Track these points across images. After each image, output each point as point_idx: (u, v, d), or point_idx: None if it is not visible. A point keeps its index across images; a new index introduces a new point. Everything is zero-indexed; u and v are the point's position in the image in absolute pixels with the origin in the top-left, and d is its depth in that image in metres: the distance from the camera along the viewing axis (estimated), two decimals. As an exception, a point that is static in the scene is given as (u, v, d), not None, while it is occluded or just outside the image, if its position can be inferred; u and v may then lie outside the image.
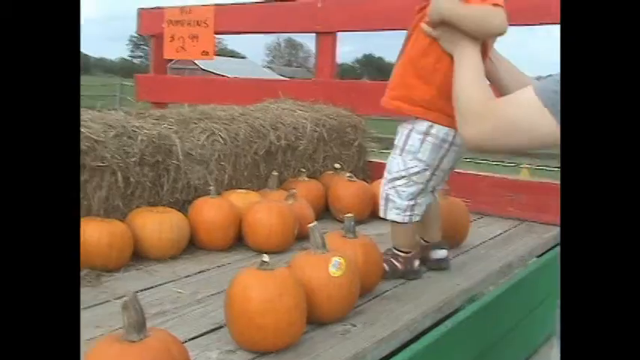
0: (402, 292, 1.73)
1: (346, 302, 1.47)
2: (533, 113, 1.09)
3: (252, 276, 1.32)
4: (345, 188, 2.51)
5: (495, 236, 2.36)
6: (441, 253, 1.93)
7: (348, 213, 1.72)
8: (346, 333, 1.43)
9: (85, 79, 38.78)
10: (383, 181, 1.82)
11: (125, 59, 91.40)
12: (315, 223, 1.53)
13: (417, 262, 1.84)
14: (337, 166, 2.76)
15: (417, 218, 1.79)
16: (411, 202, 1.76)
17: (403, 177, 1.74)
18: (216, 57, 3.67)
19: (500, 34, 1.54)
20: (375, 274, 1.67)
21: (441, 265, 1.92)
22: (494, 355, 1.89)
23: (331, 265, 1.44)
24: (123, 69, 78.98)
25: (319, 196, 2.56)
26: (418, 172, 1.73)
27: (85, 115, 2.01)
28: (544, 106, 1.07)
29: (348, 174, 2.60)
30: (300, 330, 1.34)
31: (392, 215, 1.78)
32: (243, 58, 51.11)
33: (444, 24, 1.54)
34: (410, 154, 1.73)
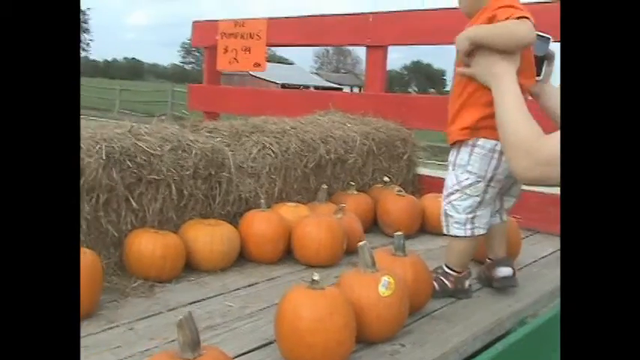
0: (451, 312, 1.71)
1: (395, 322, 1.47)
2: None
3: (303, 294, 1.33)
4: (394, 202, 2.51)
5: (547, 255, 2.31)
6: (506, 271, 1.87)
7: (396, 227, 1.72)
8: (395, 353, 1.43)
9: (138, 85, 39.91)
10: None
11: (177, 65, 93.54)
12: (364, 242, 1.54)
13: (467, 282, 1.82)
14: (386, 179, 2.76)
15: (481, 231, 1.77)
16: (470, 215, 1.75)
17: (457, 191, 1.75)
18: (266, 62, 3.73)
19: (530, 42, 1.57)
20: (424, 293, 1.66)
21: (506, 283, 1.87)
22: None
23: (381, 284, 1.44)
24: (175, 74, 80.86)
25: (368, 210, 2.56)
26: (471, 185, 1.73)
27: (142, 128, 2.07)
28: None
29: (397, 188, 2.60)
30: (349, 349, 1.35)
31: (453, 230, 1.77)
32: (291, 64, 51.57)
33: (475, 56, 1.57)
34: (460, 167, 1.74)
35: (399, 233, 1.69)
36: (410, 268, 1.62)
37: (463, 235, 1.76)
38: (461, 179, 1.74)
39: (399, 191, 2.55)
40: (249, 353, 1.40)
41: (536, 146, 1.22)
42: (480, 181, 1.72)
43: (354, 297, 1.42)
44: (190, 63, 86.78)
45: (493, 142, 1.68)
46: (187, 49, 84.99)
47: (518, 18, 1.54)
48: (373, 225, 2.59)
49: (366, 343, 1.45)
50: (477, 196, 1.74)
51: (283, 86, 37.28)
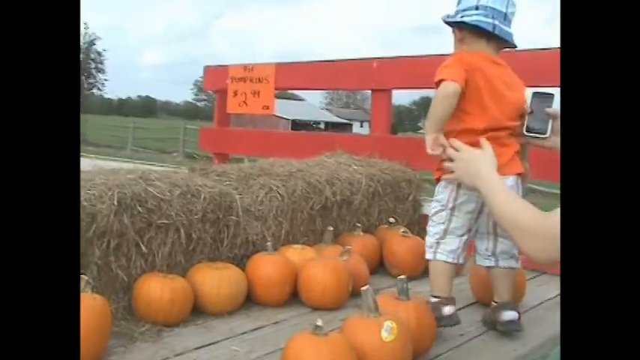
0: (456, 356, 1.73)
1: (398, 367, 1.49)
2: None
3: (307, 341, 1.36)
4: (399, 243, 2.54)
5: (553, 297, 2.32)
6: (510, 315, 1.88)
7: (402, 268, 1.78)
8: (398, 399, 1.45)
9: (150, 122, 40.45)
10: None
11: (189, 102, 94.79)
12: (368, 286, 1.57)
13: (446, 309, 1.82)
14: (392, 220, 2.79)
15: (443, 257, 1.88)
16: (435, 240, 1.90)
17: (430, 219, 1.93)
18: (276, 99, 3.83)
19: (454, 94, 1.74)
20: (428, 337, 1.68)
21: (510, 327, 1.88)
22: None
23: (383, 329, 1.47)
24: (187, 111, 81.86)
25: (374, 251, 2.59)
26: (437, 212, 1.91)
27: (153, 174, 2.13)
28: None
29: (402, 229, 2.63)
30: (352, 395, 1.37)
31: (425, 254, 1.93)
32: (302, 100, 52.09)
33: (454, 161, 1.69)
34: (434, 199, 1.93)
35: (402, 277, 1.73)
36: (413, 312, 1.64)
37: (429, 258, 1.92)
38: (432, 207, 1.94)
39: (404, 232, 2.58)
40: (254, 398, 1.43)
41: (543, 225, 1.25)
42: (443, 209, 1.88)
43: (357, 342, 1.45)
44: (202, 100, 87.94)
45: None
46: (200, 87, 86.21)
47: (437, 84, 1.77)
48: (379, 266, 2.61)
49: (369, 388, 1.46)
50: (442, 223, 1.89)
51: (294, 122, 37.63)
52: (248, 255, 2.24)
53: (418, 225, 3.01)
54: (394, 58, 3.21)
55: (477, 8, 1.81)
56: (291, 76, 3.75)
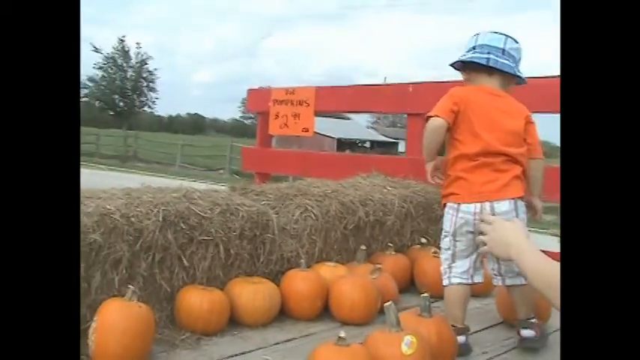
0: (476, 372, 1.81)
1: (417, 379, 1.58)
2: None
3: (329, 350, 1.48)
4: (430, 263, 2.62)
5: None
6: (526, 333, 1.98)
7: (432, 287, 1.88)
8: (416, 409, 1.54)
9: (198, 139, 41.34)
10: None
11: (237, 120, 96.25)
12: (390, 302, 1.67)
13: (459, 339, 1.89)
14: (424, 240, 2.88)
15: (457, 280, 2.03)
16: (447, 266, 2.05)
17: (441, 247, 2.11)
18: (322, 118, 3.98)
19: (439, 128, 1.97)
20: (449, 353, 1.76)
21: (528, 345, 1.97)
22: None
23: (403, 343, 1.57)
24: (234, 129, 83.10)
25: (405, 270, 2.68)
26: (443, 239, 2.08)
27: (196, 193, 2.29)
28: None
29: (433, 249, 2.71)
30: (371, 403, 1.47)
31: (442, 282, 2.06)
32: (348, 119, 52.30)
33: (487, 233, 1.71)
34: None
35: (425, 295, 1.82)
36: (434, 328, 1.73)
37: (445, 284, 2.05)
38: (441, 236, 2.10)
39: (435, 252, 2.66)
40: (282, 403, 1.54)
41: None
42: (447, 235, 2.04)
43: (379, 355, 1.55)
44: (249, 118, 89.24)
45: (455, 204, 2.00)
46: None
47: (426, 119, 2.00)
48: (411, 285, 2.70)
49: (389, 399, 1.56)
50: (448, 249, 2.05)
51: (339, 141, 37.82)
52: (283, 271, 2.36)
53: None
54: (429, 82, 3.33)
55: (474, 49, 2.04)
56: (331, 99, 3.90)
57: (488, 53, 2.00)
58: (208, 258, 2.18)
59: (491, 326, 2.23)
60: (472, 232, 1.96)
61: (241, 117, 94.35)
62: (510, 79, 2.05)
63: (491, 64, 2.00)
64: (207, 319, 2.00)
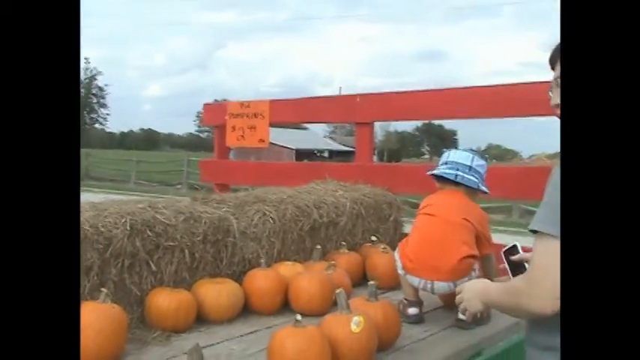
0: (418, 347, 2.04)
1: (366, 354, 1.80)
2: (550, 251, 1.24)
3: (289, 331, 1.68)
4: (380, 258, 2.86)
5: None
6: (461, 315, 2.24)
7: (381, 280, 2.12)
8: (366, 380, 1.76)
9: (154, 155, 40.86)
10: None
11: (192, 134, 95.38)
12: (340, 289, 1.89)
13: (411, 310, 2.30)
14: (374, 238, 3.12)
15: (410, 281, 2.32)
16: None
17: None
18: (279, 129, 4.19)
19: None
20: (393, 332, 1.99)
21: (459, 325, 2.25)
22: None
23: (352, 323, 1.79)
24: (190, 143, 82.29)
25: (357, 266, 2.91)
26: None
27: (160, 203, 2.46)
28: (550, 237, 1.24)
29: (382, 246, 2.95)
30: (326, 375, 1.68)
31: (398, 270, 2.40)
32: (305, 129, 52.53)
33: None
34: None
35: (372, 282, 2.05)
36: (380, 310, 1.96)
37: (401, 274, 2.37)
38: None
39: (384, 248, 2.90)
40: (248, 383, 1.74)
41: (526, 283, 1.33)
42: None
43: (332, 333, 1.76)
44: (205, 132, 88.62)
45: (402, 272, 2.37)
46: (202, 119, 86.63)
47: None
48: (363, 280, 2.92)
49: (343, 373, 1.77)
50: None
51: (298, 151, 38.04)
52: (244, 271, 2.55)
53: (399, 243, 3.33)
54: (374, 93, 3.59)
55: (446, 164, 2.40)
56: (285, 111, 4.13)
57: (457, 170, 2.35)
58: (174, 262, 2.36)
59: (434, 309, 2.47)
60: None
61: (197, 131, 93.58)
62: (476, 190, 2.39)
63: (458, 179, 2.34)
64: (175, 318, 2.17)
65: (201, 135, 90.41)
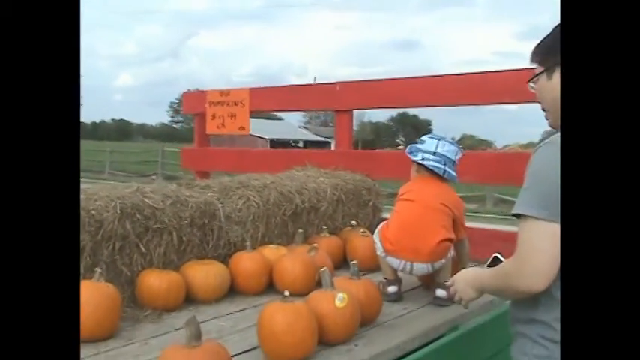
0: (398, 322, 2.17)
1: (349, 327, 1.92)
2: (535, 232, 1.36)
3: (277, 306, 1.79)
4: (360, 242, 2.97)
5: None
6: (440, 293, 2.39)
7: (362, 261, 2.27)
8: (349, 351, 1.88)
9: (127, 146, 40.44)
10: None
11: (165, 124, 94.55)
12: (325, 267, 2.00)
13: (390, 288, 2.43)
14: (354, 223, 3.23)
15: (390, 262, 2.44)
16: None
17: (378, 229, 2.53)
18: (254, 119, 4.26)
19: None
20: (374, 308, 2.11)
21: (438, 302, 2.38)
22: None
23: (337, 298, 1.90)
24: (163, 134, 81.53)
25: (338, 249, 3.02)
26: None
27: (147, 188, 2.54)
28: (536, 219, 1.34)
29: (362, 229, 3.07)
30: (313, 346, 1.79)
31: (377, 251, 2.51)
32: (280, 119, 52.43)
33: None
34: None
35: (354, 262, 2.17)
36: (362, 288, 2.08)
37: (381, 255, 2.48)
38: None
39: (364, 232, 3.02)
40: (238, 355, 1.84)
41: (511, 264, 1.44)
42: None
43: (317, 308, 1.87)
44: (179, 122, 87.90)
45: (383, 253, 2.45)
46: (176, 109, 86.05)
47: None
48: (344, 262, 3.03)
49: (327, 345, 1.89)
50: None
51: (272, 141, 38.02)
52: (230, 254, 2.65)
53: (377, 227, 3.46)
54: (353, 81, 3.69)
55: (434, 154, 2.46)
56: (264, 99, 4.21)
57: (445, 164, 2.45)
58: (163, 244, 2.44)
59: (412, 289, 2.60)
60: None
61: (170, 121, 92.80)
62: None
63: (445, 175, 2.45)
64: (166, 297, 2.26)
65: (174, 125, 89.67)
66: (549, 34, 1.52)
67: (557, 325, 1.36)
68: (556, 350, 1.36)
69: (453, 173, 2.49)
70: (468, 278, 1.75)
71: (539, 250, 1.33)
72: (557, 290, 1.35)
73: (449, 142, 2.51)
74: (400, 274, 2.47)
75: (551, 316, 1.39)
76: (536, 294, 1.37)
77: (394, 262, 2.41)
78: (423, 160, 2.48)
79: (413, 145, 2.56)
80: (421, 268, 2.36)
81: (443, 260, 2.36)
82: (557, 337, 1.35)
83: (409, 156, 2.52)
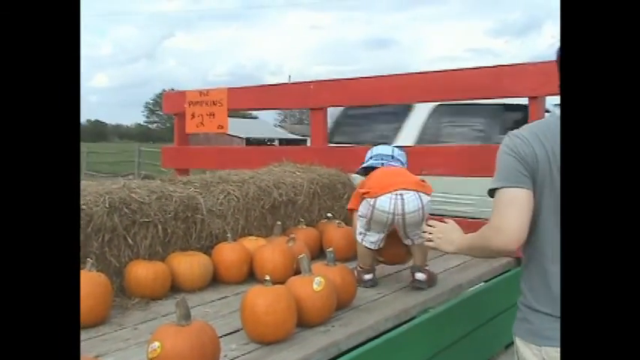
0: (372, 305, 2.33)
1: (326, 310, 2.07)
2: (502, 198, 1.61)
3: (259, 289, 1.94)
4: (335, 232, 3.13)
5: (454, 266, 2.96)
6: (419, 276, 2.55)
7: (338, 252, 2.42)
8: (326, 331, 2.03)
9: (103, 146, 40.08)
10: None
11: (141, 125, 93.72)
12: (303, 254, 2.15)
13: (366, 276, 2.57)
14: (329, 215, 3.39)
15: (368, 244, 2.57)
16: (363, 231, 2.58)
17: (358, 217, 2.62)
18: (230, 118, 4.38)
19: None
20: (349, 292, 2.27)
21: (416, 285, 2.54)
22: (448, 357, 2.45)
23: (314, 282, 2.05)
24: (139, 134, 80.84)
25: (315, 240, 3.17)
26: (359, 218, 2.59)
27: (134, 183, 2.67)
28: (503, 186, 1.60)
29: (337, 221, 3.23)
30: (293, 327, 1.94)
31: (356, 237, 2.59)
32: (255, 118, 52.34)
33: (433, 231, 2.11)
34: (359, 212, 2.61)
35: (330, 249, 2.32)
36: (338, 274, 2.23)
37: (359, 240, 2.60)
38: (358, 213, 2.61)
39: (339, 223, 3.18)
40: (223, 337, 1.97)
41: (488, 227, 1.66)
42: (363, 218, 2.54)
43: (296, 292, 2.02)
44: (155, 122, 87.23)
45: (371, 199, 2.46)
46: (151, 109, 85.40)
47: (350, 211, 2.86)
48: (320, 252, 3.18)
49: (306, 326, 2.03)
50: (363, 226, 2.57)
51: (248, 140, 37.96)
52: (212, 245, 2.78)
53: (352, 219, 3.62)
54: (327, 80, 3.85)
55: (371, 158, 2.78)
56: (242, 99, 4.35)
57: (382, 159, 2.73)
58: (149, 237, 2.57)
59: (385, 276, 2.77)
60: (384, 225, 2.49)
61: (145, 122, 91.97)
62: None
63: (385, 165, 2.69)
64: (152, 287, 2.39)
65: (150, 126, 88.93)
66: None
67: (528, 293, 1.66)
68: (529, 313, 1.64)
69: (395, 164, 2.70)
70: (452, 238, 1.98)
71: (510, 213, 1.58)
72: (529, 261, 1.67)
73: (382, 146, 2.85)
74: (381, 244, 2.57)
75: (524, 285, 1.70)
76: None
77: (384, 202, 2.40)
78: (363, 164, 2.79)
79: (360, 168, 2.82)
80: (412, 198, 2.38)
81: (429, 198, 2.46)
82: (528, 302, 1.65)
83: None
